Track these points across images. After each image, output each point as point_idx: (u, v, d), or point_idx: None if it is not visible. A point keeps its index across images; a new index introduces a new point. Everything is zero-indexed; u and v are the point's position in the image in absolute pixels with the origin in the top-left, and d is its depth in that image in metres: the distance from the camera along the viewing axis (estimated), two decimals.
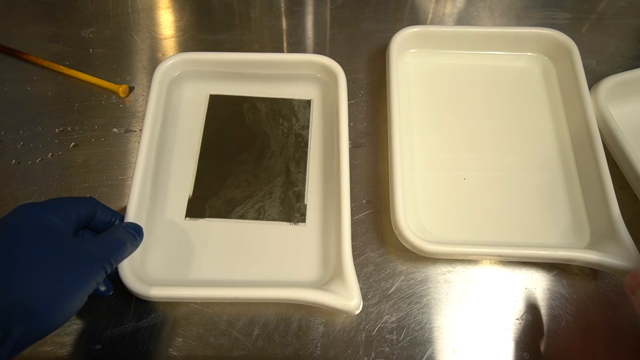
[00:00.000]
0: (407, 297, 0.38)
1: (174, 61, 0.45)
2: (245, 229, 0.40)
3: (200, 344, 0.36)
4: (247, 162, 0.43)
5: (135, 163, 0.39)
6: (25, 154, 0.45)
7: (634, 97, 0.47)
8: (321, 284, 0.36)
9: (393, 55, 0.46)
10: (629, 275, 0.34)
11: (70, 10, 0.54)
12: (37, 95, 0.48)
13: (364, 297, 0.38)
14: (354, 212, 0.42)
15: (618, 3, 0.55)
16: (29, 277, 0.26)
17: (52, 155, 0.45)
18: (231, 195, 0.41)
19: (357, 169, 0.44)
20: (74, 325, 0.37)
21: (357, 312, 0.35)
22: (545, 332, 0.37)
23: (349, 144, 0.43)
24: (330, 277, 0.37)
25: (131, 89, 0.49)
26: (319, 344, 0.36)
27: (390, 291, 0.38)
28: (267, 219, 0.40)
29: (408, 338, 0.37)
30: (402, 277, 0.39)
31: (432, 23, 0.54)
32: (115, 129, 0.46)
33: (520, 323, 0.37)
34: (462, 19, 0.54)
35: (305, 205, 0.41)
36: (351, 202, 0.39)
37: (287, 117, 0.45)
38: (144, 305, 0.37)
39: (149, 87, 0.44)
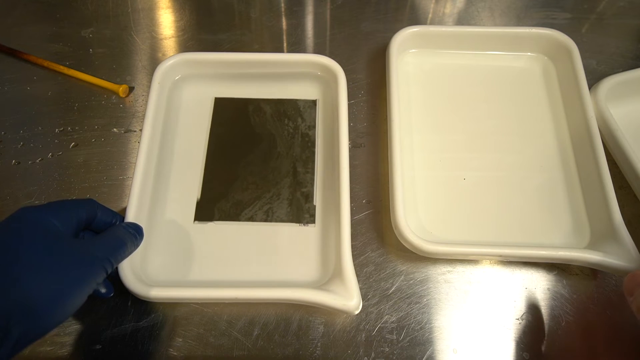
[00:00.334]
0: (407, 297, 0.38)
1: (174, 61, 0.45)
2: (251, 229, 0.40)
3: (200, 344, 0.36)
4: (254, 164, 0.43)
5: (135, 163, 0.39)
6: (25, 154, 0.45)
7: (634, 97, 0.47)
8: (321, 284, 0.36)
9: (393, 55, 0.46)
10: (627, 277, 0.34)
11: (70, 10, 0.54)
12: (37, 95, 0.48)
13: (364, 297, 0.38)
14: (354, 212, 0.42)
15: (618, 3, 0.55)
16: (29, 277, 0.26)
17: (52, 155, 0.45)
18: (239, 198, 0.41)
19: (357, 169, 0.44)
20: (74, 325, 0.37)
21: (357, 312, 0.35)
22: (545, 332, 0.37)
23: (349, 144, 0.43)
24: (330, 277, 0.37)
25: (131, 89, 0.49)
26: (319, 344, 0.36)
27: (390, 291, 0.38)
28: (276, 221, 0.40)
29: (408, 338, 0.37)
30: (402, 277, 0.39)
31: (432, 23, 0.54)
32: (115, 129, 0.46)
33: (520, 323, 0.37)
34: (462, 19, 0.54)
35: (315, 206, 0.41)
36: (351, 202, 0.39)
37: (293, 117, 0.45)
38: (144, 306, 0.37)
39: (149, 87, 0.44)
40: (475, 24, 0.54)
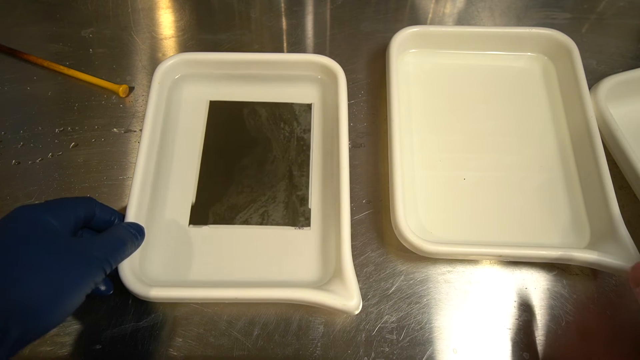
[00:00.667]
0: (407, 297, 0.38)
1: (174, 61, 0.45)
2: (247, 232, 0.40)
3: (200, 344, 0.36)
4: (250, 167, 0.43)
5: (135, 163, 0.39)
6: (25, 154, 0.45)
7: (634, 97, 0.47)
8: (321, 284, 0.36)
9: (393, 55, 0.46)
10: (633, 267, 0.34)
11: (70, 10, 0.54)
12: (37, 95, 0.48)
13: (364, 297, 0.38)
14: (354, 212, 0.42)
15: (618, 3, 0.55)
16: (28, 277, 0.26)
17: (52, 155, 0.45)
18: (234, 201, 0.41)
19: (357, 169, 0.44)
20: (74, 325, 0.37)
21: (357, 312, 0.35)
22: (545, 332, 0.37)
23: (349, 144, 0.43)
24: (330, 277, 0.37)
25: (131, 89, 0.49)
26: (319, 344, 0.36)
27: (390, 291, 0.38)
28: (271, 224, 0.40)
29: (408, 338, 0.37)
30: (402, 277, 0.39)
31: (432, 23, 0.54)
32: (115, 129, 0.46)
33: (520, 323, 0.37)
34: (462, 19, 0.54)
35: (310, 210, 0.41)
36: (351, 202, 0.39)
37: (288, 121, 0.45)
38: (144, 306, 0.37)
39: (149, 87, 0.44)
40: (475, 24, 0.54)
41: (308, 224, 0.40)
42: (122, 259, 0.32)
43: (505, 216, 0.41)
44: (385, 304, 0.38)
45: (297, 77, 0.47)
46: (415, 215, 0.41)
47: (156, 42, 0.52)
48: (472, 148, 0.44)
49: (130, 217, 0.37)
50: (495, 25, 0.54)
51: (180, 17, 0.54)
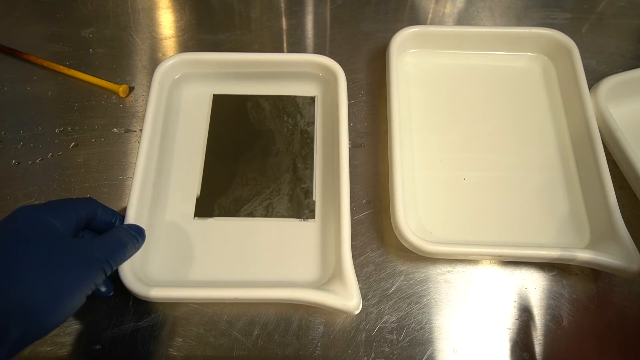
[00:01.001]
0: (407, 297, 0.38)
1: (174, 61, 0.45)
2: (252, 225, 0.40)
3: (200, 344, 0.36)
4: (254, 160, 0.43)
5: (135, 163, 0.39)
6: (25, 154, 0.45)
7: (634, 97, 0.47)
8: (321, 284, 0.36)
9: (393, 55, 0.46)
10: None
11: (70, 10, 0.54)
12: (37, 95, 0.48)
13: (364, 297, 0.38)
14: (354, 212, 0.42)
15: (618, 3, 0.55)
16: (28, 277, 0.26)
17: (52, 155, 0.45)
18: (239, 194, 0.41)
19: (357, 169, 0.44)
20: (74, 325, 0.37)
21: (357, 312, 0.35)
22: (545, 332, 0.37)
23: (349, 144, 0.43)
24: (330, 277, 0.37)
25: (131, 89, 0.49)
26: (319, 344, 0.36)
27: (390, 291, 0.38)
28: (276, 216, 0.40)
29: (408, 338, 0.37)
30: (402, 277, 0.39)
31: (432, 23, 0.54)
32: (115, 129, 0.46)
33: (520, 323, 0.37)
34: (462, 19, 0.54)
35: (314, 202, 0.41)
36: (351, 202, 0.39)
37: (292, 114, 0.45)
38: (144, 306, 0.37)
39: (149, 87, 0.44)
40: (475, 24, 0.54)
41: (313, 216, 0.40)
42: (123, 260, 0.32)
43: (505, 216, 0.41)
44: (385, 304, 0.38)
45: (298, 75, 0.47)
46: (415, 215, 0.41)
47: (156, 42, 0.52)
48: (472, 148, 0.44)
49: (130, 217, 0.37)
50: (495, 25, 0.54)
51: (180, 17, 0.54)
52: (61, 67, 0.49)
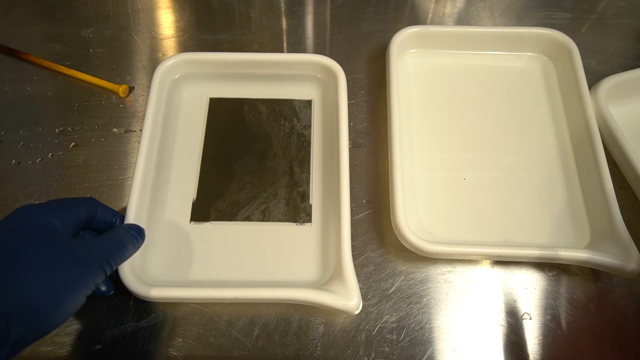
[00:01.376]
0: (407, 297, 0.38)
1: (174, 61, 0.45)
2: (248, 229, 0.40)
3: (200, 344, 0.36)
4: (250, 164, 0.43)
5: (135, 163, 0.39)
6: (25, 154, 0.45)
7: (634, 97, 0.47)
8: (321, 284, 0.36)
9: (393, 55, 0.46)
10: None
11: (70, 10, 0.54)
12: (37, 95, 0.48)
13: (364, 297, 0.38)
14: (354, 212, 0.42)
15: (618, 3, 0.55)
16: (28, 278, 0.26)
17: (52, 155, 0.45)
18: (235, 198, 0.41)
19: (357, 169, 0.44)
20: (74, 325, 0.37)
21: (357, 312, 0.35)
22: (545, 332, 0.37)
23: (349, 144, 0.43)
24: (330, 277, 0.37)
25: (131, 89, 0.49)
26: (319, 344, 0.36)
27: (390, 291, 0.38)
28: (273, 220, 0.40)
29: (408, 338, 0.37)
30: (402, 277, 0.39)
31: (432, 23, 0.54)
32: (115, 129, 0.46)
33: (520, 323, 0.37)
34: (462, 19, 0.54)
35: (311, 205, 0.41)
36: (351, 202, 0.39)
37: (289, 117, 0.45)
38: (144, 306, 0.37)
39: (149, 87, 0.44)
40: (475, 24, 0.54)
41: (309, 220, 0.40)
42: (123, 260, 0.32)
43: (505, 216, 0.41)
44: (385, 304, 0.38)
45: (297, 77, 0.47)
46: (415, 215, 0.41)
47: (156, 42, 0.52)
48: (472, 148, 0.44)
49: (130, 217, 0.37)
50: (495, 25, 0.54)
51: (180, 17, 0.54)
52: (61, 67, 0.49)
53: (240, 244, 0.39)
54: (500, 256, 0.38)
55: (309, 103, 0.46)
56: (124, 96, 0.48)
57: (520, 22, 0.54)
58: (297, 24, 0.53)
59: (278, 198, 0.41)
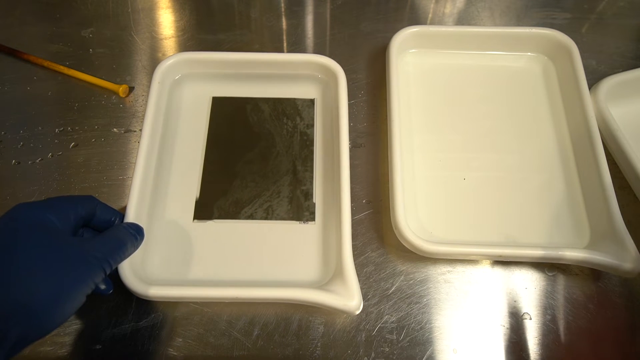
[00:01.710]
0: (407, 297, 0.38)
1: (174, 61, 0.45)
2: (252, 227, 0.40)
3: (200, 344, 0.36)
4: (254, 163, 0.43)
5: (135, 163, 0.39)
6: (25, 154, 0.45)
7: (634, 97, 0.47)
8: (321, 284, 0.36)
9: (393, 55, 0.46)
10: None
11: (70, 10, 0.54)
12: (37, 95, 0.48)
13: (364, 297, 0.38)
14: (354, 212, 0.42)
15: (618, 3, 0.55)
16: (27, 277, 0.26)
17: (52, 155, 0.45)
18: (239, 196, 0.41)
19: (357, 169, 0.44)
20: (74, 325, 0.37)
21: (358, 312, 0.35)
22: (544, 332, 0.37)
23: (349, 144, 0.43)
24: (330, 277, 0.37)
25: (131, 89, 0.49)
26: (319, 344, 0.36)
27: (390, 291, 0.38)
28: (276, 219, 0.40)
29: (408, 338, 0.37)
30: (402, 277, 0.39)
31: (432, 23, 0.54)
32: (115, 129, 0.46)
33: (520, 323, 0.37)
34: (462, 19, 0.54)
35: (314, 204, 0.41)
36: (351, 202, 0.39)
37: (291, 116, 0.45)
38: (144, 305, 0.37)
39: (149, 87, 0.44)
40: (475, 24, 0.54)
41: (313, 219, 0.40)
42: (122, 259, 0.32)
43: (505, 216, 0.41)
44: (385, 304, 0.38)
45: (298, 77, 0.47)
46: (415, 215, 0.41)
47: (156, 42, 0.52)
48: (472, 148, 0.44)
49: (130, 216, 0.37)
50: (495, 25, 0.54)
51: (180, 17, 0.54)
52: (61, 67, 0.49)
53: (243, 243, 0.39)
54: (500, 256, 0.38)
55: (311, 102, 0.46)
56: (124, 96, 0.48)
57: (520, 22, 0.54)
58: (297, 24, 0.53)
59: (281, 196, 0.41)
